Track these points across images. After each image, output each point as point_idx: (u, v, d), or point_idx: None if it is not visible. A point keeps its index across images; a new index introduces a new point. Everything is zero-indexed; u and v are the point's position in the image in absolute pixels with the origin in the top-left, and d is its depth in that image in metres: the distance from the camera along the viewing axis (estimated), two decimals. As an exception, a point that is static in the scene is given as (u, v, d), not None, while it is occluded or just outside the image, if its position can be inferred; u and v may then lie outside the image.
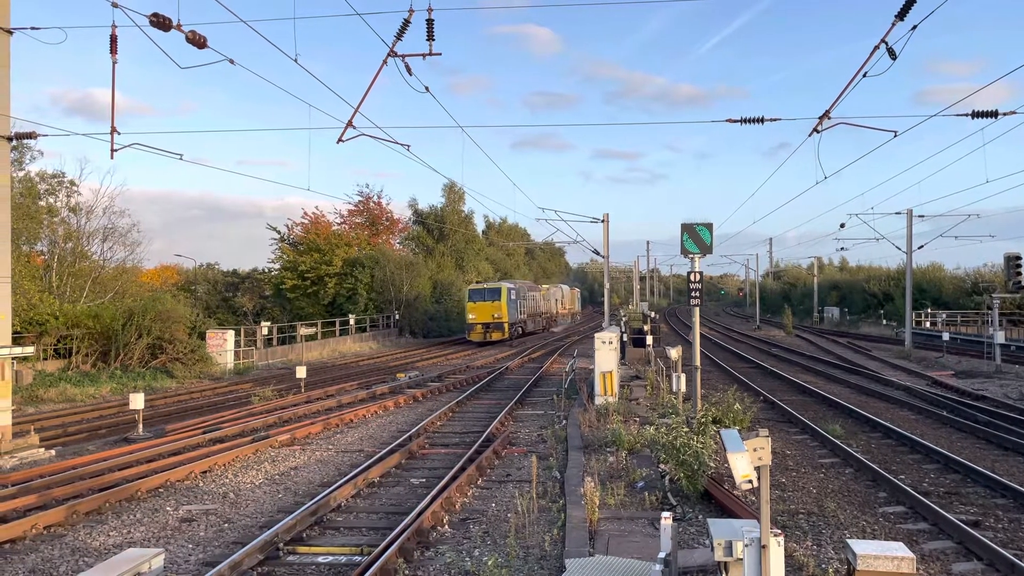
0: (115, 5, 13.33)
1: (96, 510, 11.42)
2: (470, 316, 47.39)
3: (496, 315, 47.08)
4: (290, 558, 9.23)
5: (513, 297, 49.05)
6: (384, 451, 14.90)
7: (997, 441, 15.90)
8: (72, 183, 37.77)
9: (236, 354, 35.07)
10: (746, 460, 6.01)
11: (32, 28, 16.57)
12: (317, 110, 55.47)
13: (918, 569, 8.36)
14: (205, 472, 13.91)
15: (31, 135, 18.61)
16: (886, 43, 11.87)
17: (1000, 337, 30.00)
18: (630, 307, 63.81)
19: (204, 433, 17.29)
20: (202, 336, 34.48)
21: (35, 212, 34.47)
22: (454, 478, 12.31)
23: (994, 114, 15.34)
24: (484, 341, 47.02)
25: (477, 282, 54.38)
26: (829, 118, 15.17)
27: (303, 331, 35.99)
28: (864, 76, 13.08)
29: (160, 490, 12.70)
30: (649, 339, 32.22)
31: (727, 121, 16.58)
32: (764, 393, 23.08)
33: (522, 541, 9.44)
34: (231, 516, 11.22)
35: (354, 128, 15.41)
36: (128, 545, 9.80)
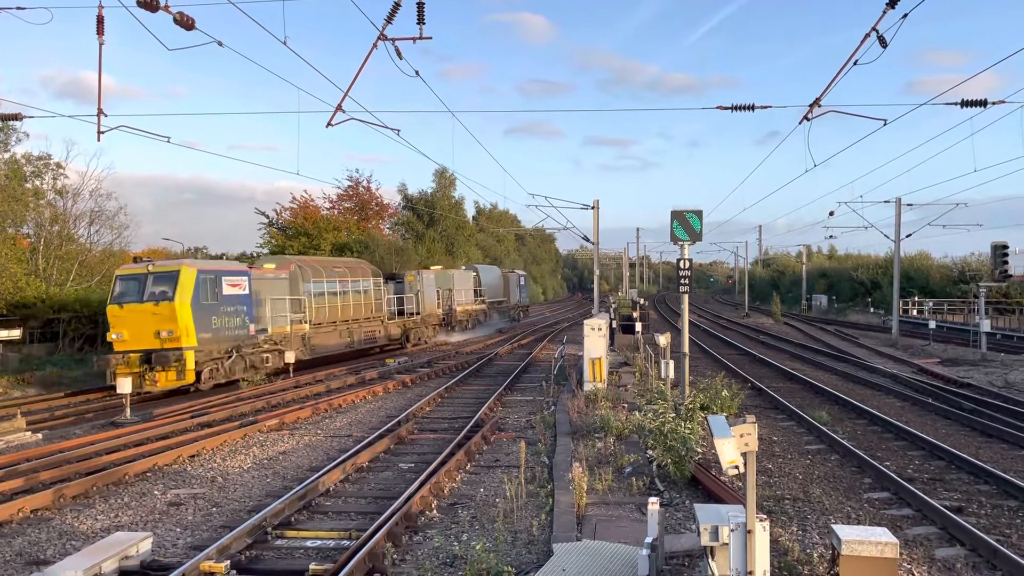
0: (101, -15, 13.14)
1: (83, 494, 11.40)
2: (112, 334, 21.67)
3: (166, 333, 21.22)
4: (278, 542, 9.24)
5: (219, 291, 22.88)
6: (373, 436, 14.92)
7: (981, 428, 16.05)
8: (59, 165, 37.52)
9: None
10: (733, 446, 6.04)
11: (17, 8, 16.34)
12: (306, 93, 55.26)
13: (902, 554, 8.44)
14: (193, 456, 13.90)
15: (16, 116, 18.37)
16: (877, 31, 11.86)
17: (986, 325, 30.25)
18: (619, 294, 63.94)
19: (192, 417, 17.26)
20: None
21: (21, 194, 34.18)
22: (443, 463, 12.34)
23: (983, 103, 15.37)
24: (141, 393, 21.32)
25: (137, 259, 24.16)
26: (819, 106, 15.16)
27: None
28: (855, 64, 13.07)
29: (148, 474, 12.67)
30: (638, 326, 32.33)
31: (718, 108, 16.57)
32: (752, 380, 23.21)
33: (510, 526, 9.47)
34: (219, 500, 11.22)
35: (344, 112, 15.30)
36: (116, 529, 9.79)
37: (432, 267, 45.42)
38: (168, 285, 21.66)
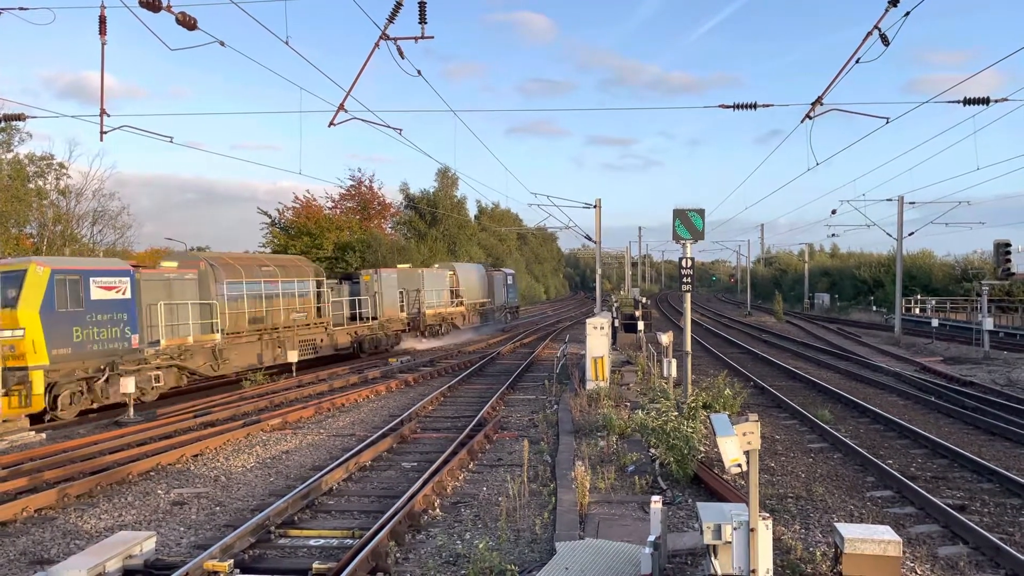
0: (104, -15, 13.15)
1: (87, 493, 11.42)
2: None
3: (7, 348, 16.95)
4: (282, 541, 9.26)
5: (85, 295, 18.73)
6: (376, 435, 14.94)
7: (984, 426, 16.03)
8: (61, 165, 37.64)
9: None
10: (735, 444, 6.05)
11: (20, 9, 16.37)
12: (309, 93, 55.31)
13: (904, 552, 8.44)
14: (196, 456, 13.93)
15: (19, 116, 18.43)
16: (879, 29, 11.85)
17: (989, 324, 30.18)
18: (622, 293, 63.90)
19: (195, 417, 17.30)
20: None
21: (24, 194, 34.29)
22: (445, 462, 12.35)
23: (985, 101, 15.34)
24: None
25: None
26: (822, 104, 15.14)
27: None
28: (857, 62, 13.06)
29: (151, 473, 12.70)
30: (640, 325, 32.34)
31: (720, 107, 16.52)
32: (754, 378, 23.19)
33: (513, 524, 9.49)
34: (222, 499, 11.24)
35: (346, 112, 15.31)
36: (119, 528, 9.82)
37: (399, 265, 40.98)
38: (13, 288, 17.47)
